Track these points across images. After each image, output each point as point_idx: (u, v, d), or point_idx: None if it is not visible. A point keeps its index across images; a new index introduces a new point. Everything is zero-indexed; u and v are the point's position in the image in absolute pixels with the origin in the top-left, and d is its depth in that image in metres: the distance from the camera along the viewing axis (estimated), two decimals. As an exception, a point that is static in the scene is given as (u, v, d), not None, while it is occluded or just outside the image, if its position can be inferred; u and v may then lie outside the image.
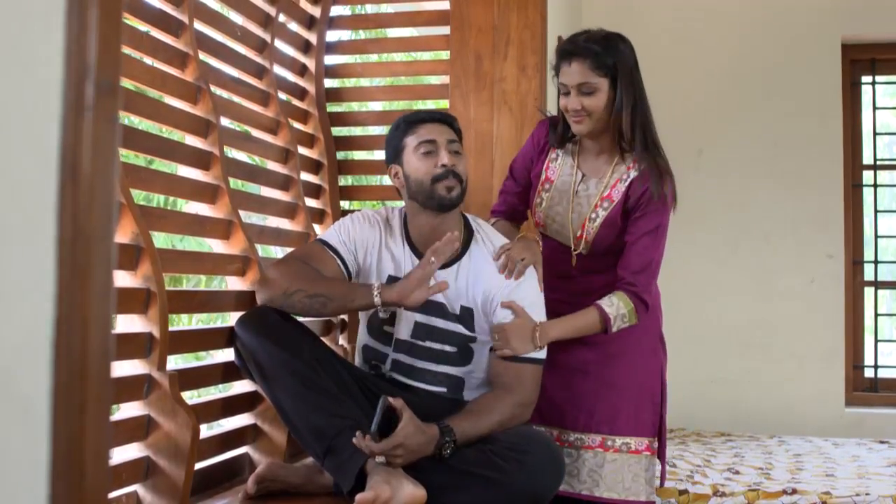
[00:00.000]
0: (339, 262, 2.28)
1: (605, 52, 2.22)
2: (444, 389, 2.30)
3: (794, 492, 2.67)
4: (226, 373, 2.38)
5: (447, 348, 2.27)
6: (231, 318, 2.38)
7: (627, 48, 2.28)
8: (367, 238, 2.30)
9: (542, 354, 2.24)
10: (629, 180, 2.31)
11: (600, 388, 2.34)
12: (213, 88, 2.42)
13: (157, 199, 3.77)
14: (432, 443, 2.02)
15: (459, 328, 2.27)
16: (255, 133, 2.78)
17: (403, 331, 2.29)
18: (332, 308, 2.18)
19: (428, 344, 2.28)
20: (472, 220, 2.36)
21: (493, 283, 2.25)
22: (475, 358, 2.28)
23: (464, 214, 2.35)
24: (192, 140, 2.38)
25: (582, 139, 2.38)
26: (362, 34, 3.68)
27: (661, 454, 2.46)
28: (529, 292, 2.27)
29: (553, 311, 2.35)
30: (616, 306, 2.27)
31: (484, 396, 2.21)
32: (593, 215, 2.33)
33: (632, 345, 2.37)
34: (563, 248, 2.41)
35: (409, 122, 2.30)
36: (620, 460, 2.31)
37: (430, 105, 3.54)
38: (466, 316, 2.26)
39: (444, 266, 2.27)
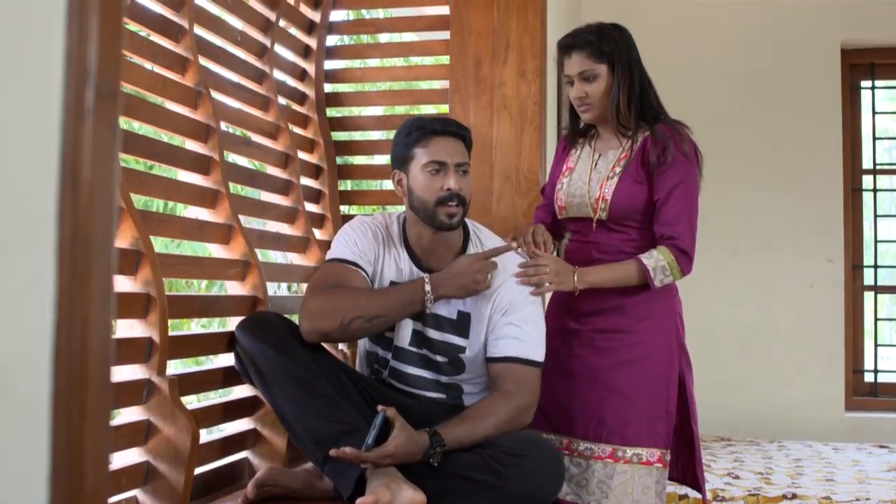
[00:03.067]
0: (364, 274, 2.25)
1: (601, 41, 2.34)
2: (443, 396, 2.30)
3: (794, 496, 2.67)
4: (226, 377, 2.37)
5: (439, 358, 2.27)
6: (231, 323, 2.38)
7: (622, 35, 2.38)
8: (371, 246, 2.29)
9: (540, 357, 2.23)
10: (643, 138, 2.35)
11: (611, 396, 2.30)
12: (212, 93, 2.42)
13: (157, 205, 3.77)
14: (421, 451, 2.01)
15: (452, 338, 2.25)
16: (255, 138, 2.78)
17: (402, 338, 2.28)
18: (391, 324, 2.18)
19: (424, 352, 2.28)
20: (470, 224, 2.35)
21: (492, 284, 2.23)
22: (467, 368, 2.27)
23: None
24: (191, 145, 2.38)
25: (598, 129, 2.45)
26: (362, 38, 3.68)
27: (697, 468, 2.41)
28: (527, 289, 2.26)
29: (570, 307, 2.35)
30: (655, 258, 2.26)
31: (481, 401, 2.20)
32: (611, 174, 2.35)
33: (646, 353, 2.33)
34: (583, 228, 2.40)
35: (422, 131, 2.22)
36: (631, 472, 2.27)
37: (430, 110, 3.54)
38: (463, 320, 2.25)
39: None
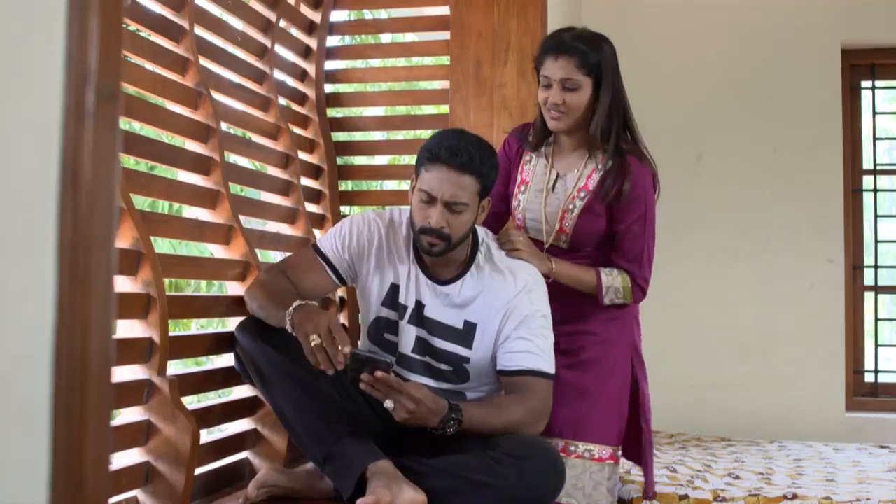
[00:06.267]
0: (328, 269, 2.26)
1: (591, 52, 2.28)
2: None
3: (795, 497, 2.66)
4: (226, 378, 2.37)
5: (443, 366, 2.26)
6: (231, 324, 2.38)
7: (610, 49, 2.33)
8: (364, 245, 2.27)
9: (552, 369, 2.22)
10: (604, 170, 2.35)
11: (566, 392, 2.33)
12: (213, 93, 2.42)
13: (162, 206, 3.76)
14: (439, 415, 2.01)
15: (456, 348, 2.24)
16: (256, 138, 2.78)
17: (405, 344, 2.27)
18: (274, 324, 2.13)
19: (427, 359, 2.27)
20: (482, 234, 2.32)
21: (502, 295, 2.22)
22: (472, 377, 2.27)
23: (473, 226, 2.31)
24: (192, 145, 2.38)
25: (557, 137, 2.42)
26: (363, 39, 3.68)
27: (647, 468, 2.48)
28: (538, 303, 2.24)
29: None
30: (612, 277, 2.35)
31: (501, 396, 2.22)
32: (570, 206, 2.37)
33: (603, 354, 2.39)
34: (541, 247, 2.41)
35: (429, 154, 2.14)
36: (582, 466, 2.31)
37: (431, 111, 3.54)
38: (469, 331, 2.24)
39: (449, 280, 2.26)
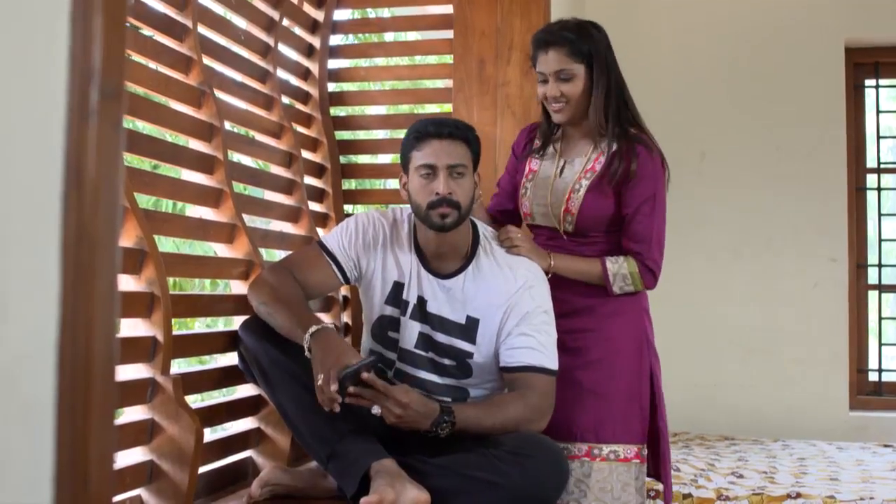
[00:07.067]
0: (334, 267, 2.27)
1: (580, 39, 2.29)
2: (448, 399, 2.29)
3: (799, 496, 2.66)
4: (229, 377, 2.38)
5: (446, 362, 2.27)
6: (235, 322, 2.38)
7: (600, 34, 2.34)
8: (369, 243, 2.28)
9: (555, 366, 2.22)
10: (611, 153, 2.33)
11: (582, 394, 2.31)
12: (216, 92, 2.42)
13: (166, 204, 3.77)
14: (430, 418, 2.02)
15: (459, 343, 2.24)
16: (259, 137, 2.78)
17: (407, 340, 2.28)
18: (282, 333, 2.13)
19: (430, 355, 2.27)
20: (481, 228, 2.33)
21: (503, 291, 2.22)
22: (475, 373, 2.27)
23: (472, 220, 2.31)
24: (195, 144, 2.38)
25: (564, 129, 2.43)
26: (366, 38, 3.68)
27: (664, 463, 2.39)
28: (539, 299, 2.25)
29: None
30: (619, 264, 2.31)
31: (498, 395, 2.21)
32: (577, 186, 2.34)
33: (614, 350, 2.35)
34: (549, 236, 2.41)
35: (417, 134, 2.20)
36: (608, 469, 2.28)
37: (433, 109, 3.54)
38: (471, 326, 2.24)
39: (450, 275, 2.26)
